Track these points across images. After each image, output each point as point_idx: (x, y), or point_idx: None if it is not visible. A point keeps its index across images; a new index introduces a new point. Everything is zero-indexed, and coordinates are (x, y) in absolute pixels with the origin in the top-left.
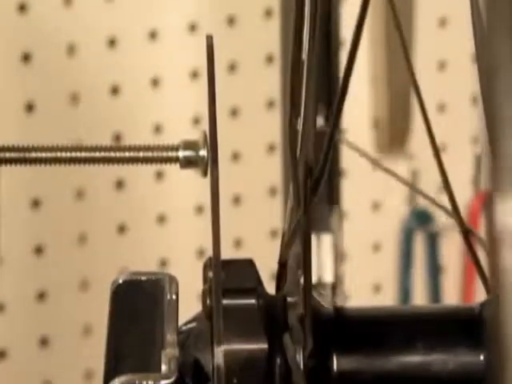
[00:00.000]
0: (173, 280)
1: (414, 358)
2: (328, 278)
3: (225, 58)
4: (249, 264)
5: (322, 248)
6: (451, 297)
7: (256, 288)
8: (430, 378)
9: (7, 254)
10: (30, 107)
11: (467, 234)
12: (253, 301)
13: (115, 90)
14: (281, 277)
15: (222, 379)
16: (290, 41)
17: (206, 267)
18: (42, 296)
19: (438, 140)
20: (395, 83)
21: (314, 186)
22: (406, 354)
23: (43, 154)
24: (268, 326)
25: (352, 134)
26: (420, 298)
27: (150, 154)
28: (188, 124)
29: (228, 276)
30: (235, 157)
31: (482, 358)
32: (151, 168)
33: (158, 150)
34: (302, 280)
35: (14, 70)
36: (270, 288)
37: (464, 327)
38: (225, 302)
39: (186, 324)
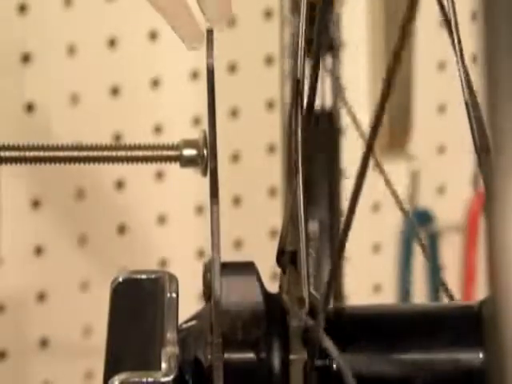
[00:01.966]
0: (172, 278)
1: (412, 356)
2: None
3: (225, 59)
4: (250, 267)
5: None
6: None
7: (256, 271)
8: (428, 375)
9: (7, 254)
10: (29, 107)
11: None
12: (253, 276)
13: (115, 90)
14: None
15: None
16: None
17: (205, 273)
18: (42, 296)
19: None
20: (395, 83)
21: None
22: (404, 352)
23: (43, 153)
24: (266, 293)
25: (352, 134)
26: (420, 298)
27: (150, 153)
28: (188, 124)
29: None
30: (235, 157)
31: (481, 355)
32: (151, 168)
33: (158, 148)
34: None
35: (14, 70)
36: (270, 288)
37: (463, 325)
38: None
39: (186, 322)
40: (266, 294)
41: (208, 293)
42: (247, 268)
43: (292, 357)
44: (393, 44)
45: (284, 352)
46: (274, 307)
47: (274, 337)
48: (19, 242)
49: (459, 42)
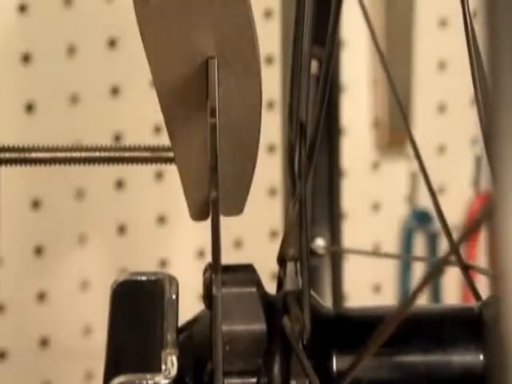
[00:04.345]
0: (173, 280)
1: (413, 358)
2: None
3: None
4: (249, 267)
5: None
6: (451, 297)
7: (256, 278)
8: (429, 377)
9: (7, 254)
10: (29, 107)
11: (467, 269)
12: (253, 289)
13: (115, 90)
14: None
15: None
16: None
17: (206, 280)
18: (42, 296)
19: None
20: (395, 83)
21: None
22: (405, 353)
23: (43, 154)
24: (267, 310)
25: (352, 134)
26: (420, 298)
27: (149, 154)
28: None
29: (227, 276)
30: None
31: (481, 357)
32: (151, 168)
33: (158, 150)
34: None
35: (13, 70)
36: (270, 288)
37: (464, 327)
38: (225, 290)
39: (186, 324)
40: (268, 314)
41: (208, 304)
42: (247, 281)
43: (293, 382)
44: (393, 43)
45: (285, 376)
46: (275, 331)
47: (274, 362)
48: (19, 241)
49: (474, 37)
